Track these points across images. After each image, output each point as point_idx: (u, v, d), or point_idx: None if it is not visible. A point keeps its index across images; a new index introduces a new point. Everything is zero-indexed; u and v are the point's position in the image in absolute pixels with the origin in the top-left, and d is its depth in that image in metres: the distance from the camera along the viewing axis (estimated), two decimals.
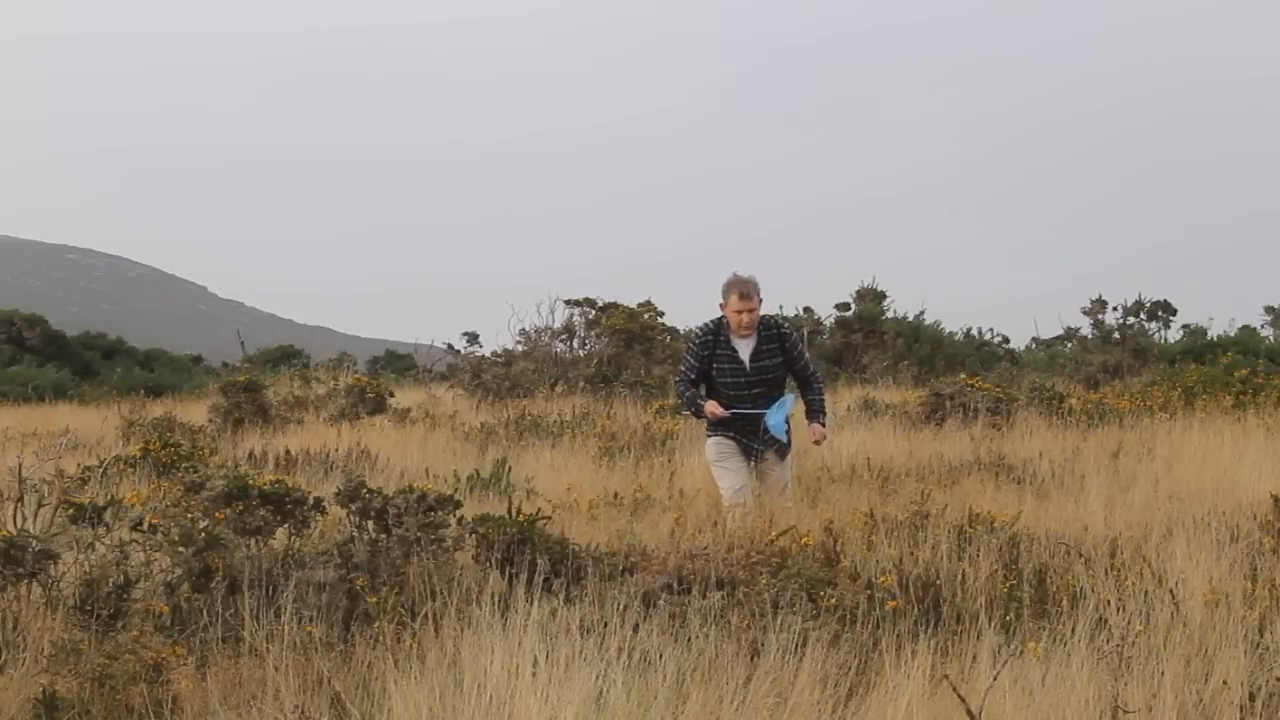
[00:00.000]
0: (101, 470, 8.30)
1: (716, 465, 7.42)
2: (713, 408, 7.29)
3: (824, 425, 7.53)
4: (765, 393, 7.31)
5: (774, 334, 7.38)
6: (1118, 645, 4.27)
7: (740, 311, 7.29)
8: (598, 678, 3.87)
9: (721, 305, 7.39)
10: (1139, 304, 24.30)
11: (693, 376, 7.45)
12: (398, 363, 31.60)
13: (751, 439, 7.28)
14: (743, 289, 7.30)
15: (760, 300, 7.36)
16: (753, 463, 7.36)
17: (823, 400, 7.59)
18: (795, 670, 4.09)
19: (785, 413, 7.26)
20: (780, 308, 23.95)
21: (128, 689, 4.23)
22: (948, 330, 24.02)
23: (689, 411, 7.77)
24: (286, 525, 5.65)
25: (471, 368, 18.58)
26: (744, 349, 7.33)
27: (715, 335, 7.38)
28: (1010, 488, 8.10)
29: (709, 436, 7.49)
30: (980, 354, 23.81)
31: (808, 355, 7.62)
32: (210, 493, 5.61)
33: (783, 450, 7.38)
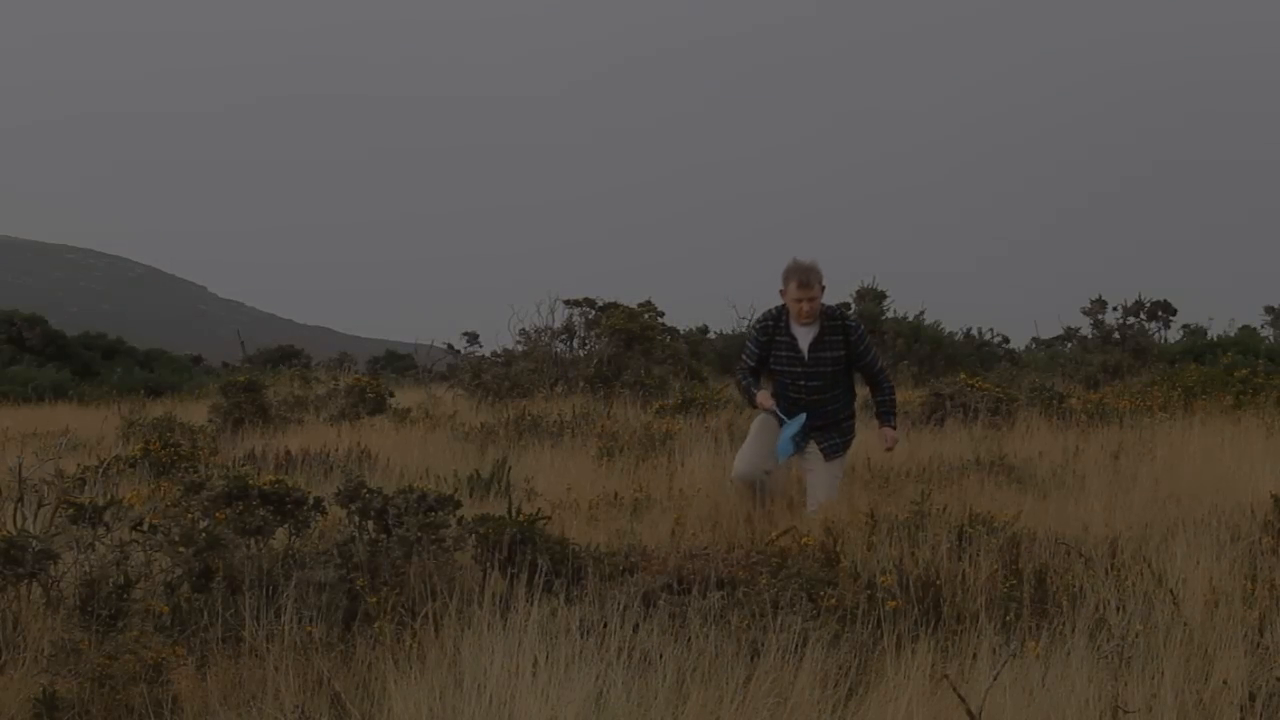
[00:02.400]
0: (101, 470, 8.30)
1: (749, 436, 7.29)
2: (763, 399, 7.12)
3: (894, 429, 7.30)
4: (822, 386, 7.07)
5: (838, 325, 7.10)
6: (1118, 645, 4.27)
7: (800, 300, 6.98)
8: (598, 678, 3.87)
9: (781, 291, 7.10)
10: (1139, 304, 24.24)
11: (752, 364, 7.23)
12: (398, 363, 31.60)
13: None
14: (802, 276, 6.97)
15: (823, 288, 7.06)
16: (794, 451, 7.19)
17: (893, 401, 7.31)
18: (795, 670, 4.09)
19: (792, 432, 7.04)
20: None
21: (128, 689, 4.23)
22: (948, 330, 23.99)
23: (745, 399, 7.55)
24: (286, 525, 5.65)
25: (471, 368, 18.57)
26: (804, 338, 7.06)
27: (776, 322, 7.13)
28: (1010, 488, 8.08)
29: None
30: (980, 354, 23.78)
31: (875, 351, 7.33)
32: (210, 493, 5.62)
33: (829, 451, 7.14)
